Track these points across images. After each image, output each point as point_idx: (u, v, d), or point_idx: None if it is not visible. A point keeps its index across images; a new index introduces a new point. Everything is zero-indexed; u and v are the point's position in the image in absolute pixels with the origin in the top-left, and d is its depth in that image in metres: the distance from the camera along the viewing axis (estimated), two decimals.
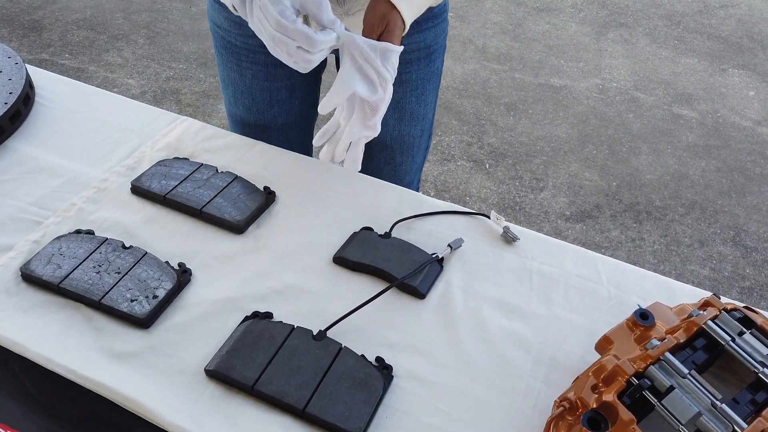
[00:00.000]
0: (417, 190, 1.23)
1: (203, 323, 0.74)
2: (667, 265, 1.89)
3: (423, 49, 0.99)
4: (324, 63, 1.08)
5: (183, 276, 0.78)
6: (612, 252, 1.93)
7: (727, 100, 2.65)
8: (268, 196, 0.90)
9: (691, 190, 2.18)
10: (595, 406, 0.57)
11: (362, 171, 0.92)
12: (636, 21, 3.22)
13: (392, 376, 0.68)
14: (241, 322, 0.73)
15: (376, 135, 0.81)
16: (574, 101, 2.61)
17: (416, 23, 0.93)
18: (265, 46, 0.97)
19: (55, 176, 0.93)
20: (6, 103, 1.00)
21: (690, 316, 0.63)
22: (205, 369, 0.68)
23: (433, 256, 0.80)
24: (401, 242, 0.82)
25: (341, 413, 0.63)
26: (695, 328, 0.60)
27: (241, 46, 1.01)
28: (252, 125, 1.10)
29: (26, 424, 0.74)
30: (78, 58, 2.72)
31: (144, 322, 0.72)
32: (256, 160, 0.97)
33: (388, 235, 0.84)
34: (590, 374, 0.61)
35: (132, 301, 0.74)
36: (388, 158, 1.11)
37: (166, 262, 0.79)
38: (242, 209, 0.87)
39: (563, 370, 0.70)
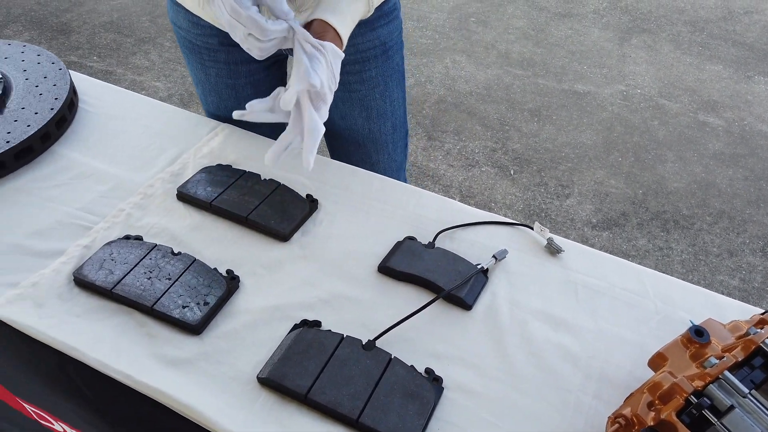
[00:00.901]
0: None
1: (253, 331, 0.75)
2: (696, 275, 1.88)
3: (379, 46, 1.01)
4: (286, 58, 1.10)
5: (232, 283, 0.79)
6: (640, 261, 1.92)
7: (753, 107, 2.63)
8: (312, 204, 0.91)
9: (719, 198, 2.16)
10: (652, 423, 0.57)
11: None
12: (659, 27, 3.20)
13: (442, 388, 0.69)
14: (290, 331, 0.74)
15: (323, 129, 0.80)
16: (599, 108, 2.60)
17: (368, 22, 0.96)
18: (225, 44, 1.01)
19: (102, 182, 0.94)
20: (52, 109, 1.01)
21: (746, 334, 0.63)
22: (257, 377, 0.69)
23: (479, 267, 0.80)
24: (446, 252, 0.83)
25: (395, 424, 0.64)
26: (753, 347, 0.60)
27: (202, 46, 1.02)
28: (224, 120, 1.12)
29: (83, 426, 0.75)
30: (106, 61, 2.76)
31: (196, 329, 0.73)
32: (298, 168, 0.98)
33: (432, 245, 0.84)
34: (645, 391, 0.61)
35: (184, 307, 0.75)
36: (364, 157, 1.13)
37: (215, 269, 0.80)
38: (287, 217, 0.87)
39: (613, 385, 0.70)
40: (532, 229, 0.87)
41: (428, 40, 3.03)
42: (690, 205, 2.13)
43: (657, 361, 0.65)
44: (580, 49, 3.00)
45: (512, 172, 2.25)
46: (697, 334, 0.64)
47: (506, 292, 0.80)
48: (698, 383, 0.58)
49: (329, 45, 0.75)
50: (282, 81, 1.14)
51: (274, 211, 0.88)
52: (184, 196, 0.91)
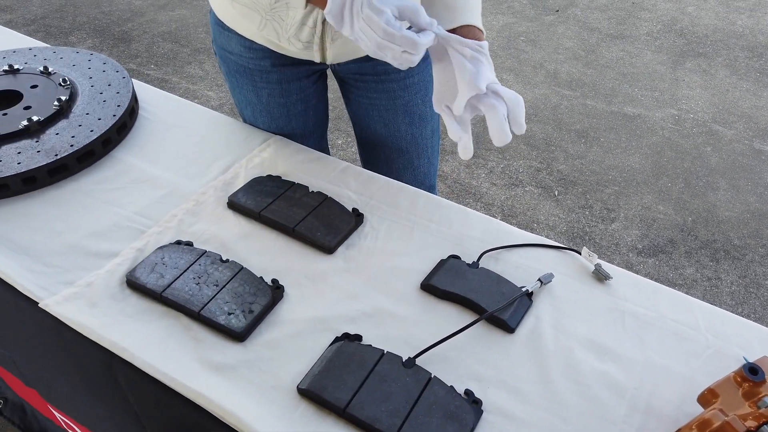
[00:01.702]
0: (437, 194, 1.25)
1: (295, 341, 0.76)
2: (746, 308, 1.81)
3: None
4: (326, 74, 1.12)
5: (276, 292, 0.81)
6: (687, 290, 1.86)
7: None
8: (357, 218, 0.92)
9: None
10: None
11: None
12: (715, 51, 3.12)
13: (482, 411, 0.68)
14: (332, 343, 0.75)
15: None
16: (649, 131, 2.55)
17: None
18: (277, 65, 1.04)
19: (157, 187, 0.98)
20: (114, 116, 1.06)
21: None
22: (297, 387, 0.70)
23: (523, 289, 0.80)
24: (490, 273, 0.82)
25: None
26: None
27: (254, 69, 1.05)
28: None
29: None
30: (162, 69, 2.86)
31: (240, 336, 0.75)
32: (346, 182, 0.99)
33: (476, 264, 0.84)
34: (694, 428, 0.59)
35: (229, 314, 0.76)
36: (407, 163, 1.14)
37: (261, 278, 0.82)
38: (333, 230, 0.89)
39: (659, 419, 0.68)
40: (579, 253, 0.86)
41: None
42: (742, 235, 2.06)
43: (707, 397, 0.63)
44: (632, 71, 2.95)
45: (557, 193, 2.22)
46: (752, 372, 0.61)
47: (551, 317, 0.78)
48: (751, 423, 0.56)
49: (485, 44, 0.75)
50: (325, 95, 1.17)
51: (320, 223, 0.89)
52: (234, 204, 0.93)
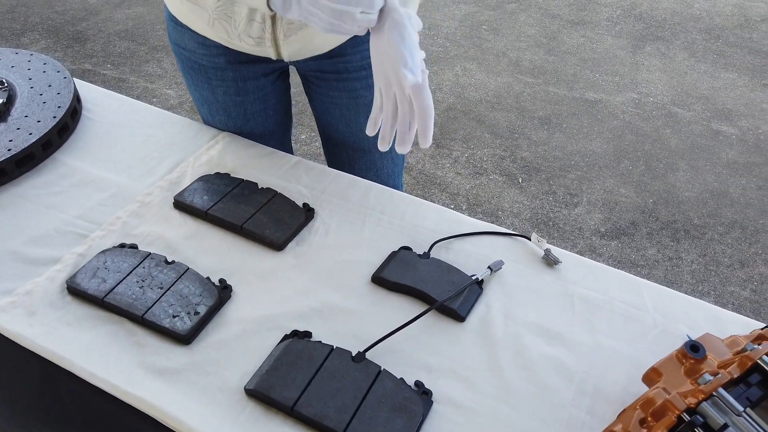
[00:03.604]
0: None
1: (243, 341, 0.74)
2: (706, 286, 1.84)
3: None
4: (288, 68, 1.09)
5: (224, 292, 0.79)
6: (648, 271, 1.88)
7: None
8: (308, 213, 0.90)
9: (731, 208, 2.12)
10: None
11: None
12: (674, 34, 3.17)
13: (431, 402, 0.68)
14: (280, 341, 0.73)
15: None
16: (610, 116, 2.58)
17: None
18: (232, 62, 1.01)
19: (101, 189, 0.95)
20: (55, 117, 1.02)
21: (744, 350, 0.61)
22: (245, 388, 0.68)
23: (473, 278, 0.79)
24: (440, 263, 0.82)
25: None
26: (750, 363, 0.58)
27: (209, 66, 1.03)
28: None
29: None
30: (119, 69, 2.79)
31: (186, 339, 0.73)
32: (297, 177, 0.98)
33: (427, 255, 0.83)
34: (638, 407, 0.59)
35: (174, 317, 0.75)
36: (369, 163, 1.12)
37: (207, 278, 0.80)
38: (282, 226, 0.87)
39: (607, 400, 0.68)
40: (529, 239, 0.86)
41: (439, 48, 3.03)
42: (701, 214, 2.10)
43: (651, 377, 0.63)
44: (593, 57, 2.97)
45: (521, 181, 2.23)
46: (693, 350, 0.62)
47: (501, 304, 0.78)
48: (691, 400, 0.56)
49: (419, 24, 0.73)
50: (287, 93, 1.14)
51: (269, 220, 0.88)
52: (180, 204, 0.91)
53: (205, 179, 0.95)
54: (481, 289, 0.80)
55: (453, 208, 2.16)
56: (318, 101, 1.10)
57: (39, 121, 1.02)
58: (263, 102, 1.09)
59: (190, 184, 0.94)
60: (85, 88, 1.17)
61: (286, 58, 0.98)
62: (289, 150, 1.23)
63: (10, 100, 1.06)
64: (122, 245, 0.85)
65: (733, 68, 2.90)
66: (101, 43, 3.00)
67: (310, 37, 0.93)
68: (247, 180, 0.95)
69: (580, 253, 1.94)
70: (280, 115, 1.14)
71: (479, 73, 2.85)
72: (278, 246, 0.85)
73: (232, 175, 0.96)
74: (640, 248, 1.96)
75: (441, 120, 2.54)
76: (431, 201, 2.13)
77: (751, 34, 3.17)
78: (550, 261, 0.83)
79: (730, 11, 3.38)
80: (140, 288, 0.78)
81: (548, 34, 3.15)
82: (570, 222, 2.05)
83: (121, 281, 0.78)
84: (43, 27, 3.11)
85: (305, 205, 0.91)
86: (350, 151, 1.12)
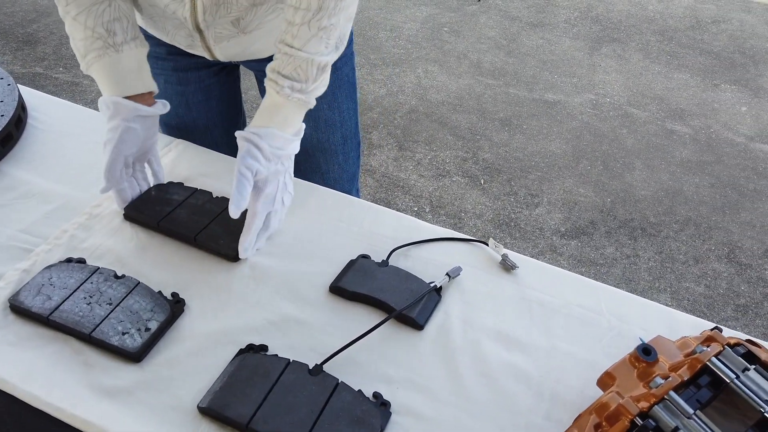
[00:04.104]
0: None
1: (196, 357, 0.72)
2: (662, 283, 1.89)
3: None
4: (235, 66, 1.09)
5: (176, 307, 0.77)
6: (607, 269, 1.92)
7: (719, 115, 2.67)
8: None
9: (686, 206, 2.18)
10: None
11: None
12: (629, 36, 3.24)
13: (390, 413, 0.67)
14: (235, 356, 0.71)
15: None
16: (568, 116, 2.62)
17: None
18: (173, 53, 1.01)
19: (47, 201, 0.91)
20: None
21: (694, 352, 0.62)
22: (198, 406, 0.66)
23: (431, 285, 0.79)
24: (399, 271, 0.81)
25: None
26: (699, 365, 0.59)
27: (150, 54, 1.02)
28: (174, 127, 1.10)
29: None
30: (72, 72, 2.71)
31: (135, 356, 0.71)
32: None
33: (385, 263, 0.82)
34: (593, 412, 0.60)
35: (123, 334, 0.72)
36: (314, 166, 1.12)
37: (159, 292, 0.78)
38: (237, 237, 0.85)
39: (564, 405, 0.68)
40: (487, 245, 0.86)
41: (401, 50, 3.03)
42: (657, 212, 2.15)
43: (605, 381, 0.64)
44: (551, 58, 3.02)
45: (482, 182, 2.25)
46: (645, 353, 0.63)
47: (459, 311, 0.78)
48: (644, 404, 0.57)
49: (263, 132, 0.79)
50: (234, 85, 1.12)
51: (224, 230, 0.86)
52: (131, 216, 0.88)
53: (157, 188, 0.92)
54: (440, 296, 0.79)
55: (417, 211, 2.18)
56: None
57: None
58: (205, 93, 1.07)
59: (141, 194, 0.91)
60: (30, 95, 1.13)
61: (222, 59, 0.96)
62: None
63: None
64: (69, 260, 0.81)
65: (685, 69, 2.99)
66: (53, 45, 2.90)
67: (248, 44, 0.92)
68: (201, 189, 0.92)
69: (541, 252, 1.96)
70: (225, 107, 1.12)
71: (441, 75, 2.86)
72: (233, 257, 0.83)
73: (185, 184, 0.94)
74: (599, 247, 2.00)
75: (404, 122, 2.55)
76: (395, 203, 2.14)
77: (702, 36, 3.27)
78: (507, 266, 0.83)
79: (682, 13, 3.48)
80: (88, 305, 0.75)
81: (508, 36, 3.19)
82: (531, 222, 2.08)
83: (68, 298, 0.75)
84: None
85: None
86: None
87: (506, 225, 2.06)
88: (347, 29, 0.80)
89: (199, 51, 0.93)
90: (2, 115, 1.00)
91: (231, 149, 1.18)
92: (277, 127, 0.79)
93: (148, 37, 0.97)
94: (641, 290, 1.85)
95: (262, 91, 1.09)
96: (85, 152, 1.01)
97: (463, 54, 3.03)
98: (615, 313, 0.79)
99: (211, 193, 0.92)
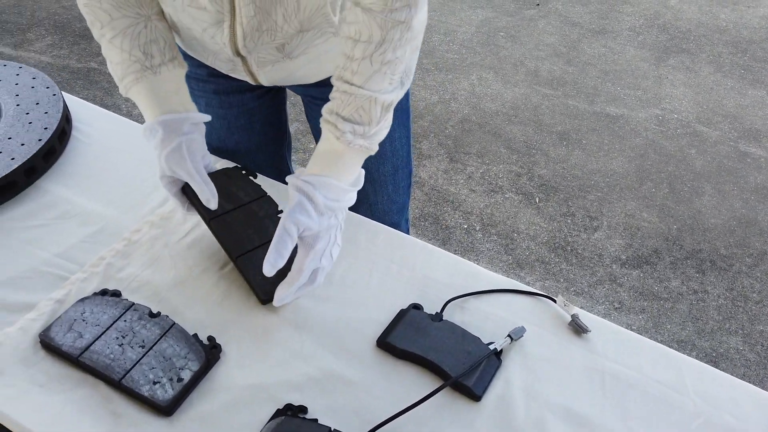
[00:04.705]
0: (407, 233, 1.15)
1: (231, 413, 0.66)
2: (733, 324, 1.74)
3: None
4: (280, 89, 1.04)
5: (212, 353, 0.71)
6: (672, 305, 1.79)
7: None
8: None
9: (760, 238, 2.02)
10: None
11: None
12: (699, 47, 3.05)
13: None
14: (272, 417, 0.65)
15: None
16: (632, 132, 2.47)
17: None
18: (215, 75, 0.96)
19: (86, 223, 0.87)
20: (40, 140, 0.95)
21: None
22: None
23: (491, 347, 0.71)
24: (454, 327, 0.73)
25: None
26: None
27: (191, 76, 0.97)
28: (215, 149, 1.05)
29: None
30: None
31: (166, 410, 0.65)
32: None
33: (439, 316, 0.75)
34: None
35: (155, 383, 0.67)
36: (362, 197, 1.04)
37: (195, 336, 0.72)
38: (280, 277, 0.78)
39: None
40: (555, 301, 0.77)
41: (454, 55, 2.93)
42: (728, 244, 1.99)
43: None
44: (614, 68, 2.87)
45: (537, 200, 2.14)
46: None
47: (522, 380, 0.70)
48: None
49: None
50: (279, 108, 1.06)
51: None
52: (187, 193, 0.80)
53: (227, 174, 0.85)
54: (500, 360, 0.71)
55: (466, 228, 2.08)
56: (312, 125, 1.02)
57: (23, 145, 0.94)
58: (248, 116, 1.01)
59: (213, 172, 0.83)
60: (77, 104, 1.10)
61: (266, 84, 0.90)
62: (283, 165, 1.15)
63: None
64: (104, 292, 0.77)
65: (761, 85, 2.78)
66: None
67: (294, 69, 0.86)
68: (269, 197, 0.83)
69: (599, 282, 1.84)
70: (269, 130, 1.06)
71: (496, 82, 2.75)
72: (263, 300, 0.76)
73: (255, 179, 0.87)
74: (663, 279, 1.86)
75: (455, 132, 2.45)
76: (443, 219, 2.05)
77: None
78: (577, 329, 0.74)
79: (757, 23, 3.25)
80: (120, 346, 0.70)
81: (568, 43, 3.04)
82: (589, 247, 1.96)
83: (100, 337, 0.71)
84: (50, 22, 3.04)
85: None
86: None
87: (562, 249, 1.95)
88: (413, 62, 0.71)
89: (241, 75, 0.87)
90: (46, 128, 0.97)
91: (275, 173, 1.12)
92: (334, 176, 0.71)
93: (188, 58, 0.92)
94: (709, 330, 1.71)
95: (309, 116, 1.03)
96: (129, 169, 0.97)
97: (519, 61, 2.90)
98: (701, 394, 0.69)
99: (277, 206, 0.84)
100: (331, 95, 0.71)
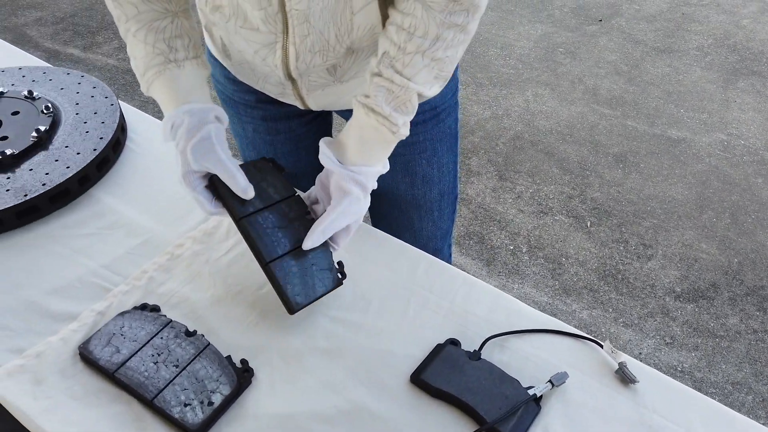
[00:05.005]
0: (449, 258, 1.12)
1: None
2: None
3: (428, 111, 0.91)
4: (326, 113, 1.02)
5: (244, 377, 0.70)
6: (728, 344, 1.69)
7: None
8: (337, 280, 0.78)
9: None
10: None
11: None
12: None
13: None
14: None
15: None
16: (694, 158, 2.36)
17: None
18: (263, 101, 0.94)
19: (133, 235, 0.89)
20: (95, 150, 0.97)
21: None
22: None
23: (531, 392, 0.67)
24: (492, 368, 0.70)
25: None
26: None
27: (239, 102, 0.97)
28: None
29: None
30: None
31: None
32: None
33: (477, 354, 0.72)
34: None
35: (185, 405, 0.66)
36: (407, 223, 1.02)
37: (228, 357, 0.72)
38: (311, 284, 0.75)
39: None
40: (602, 346, 0.73)
41: (510, 70, 2.88)
42: None
43: None
44: (678, 89, 2.75)
45: (589, 224, 2.07)
46: None
47: (562, 430, 0.66)
48: None
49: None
50: (326, 134, 1.06)
51: (300, 269, 0.74)
52: (214, 185, 0.75)
53: (256, 166, 0.80)
54: (539, 407, 0.68)
55: (512, 250, 2.03)
56: None
57: (78, 153, 0.97)
58: (294, 143, 1.01)
59: (250, 164, 0.79)
60: (133, 115, 1.12)
61: (315, 108, 0.89)
62: None
63: (54, 127, 1.02)
64: (143, 306, 0.78)
65: None
66: None
67: (344, 93, 0.85)
68: (299, 196, 0.80)
69: (651, 314, 1.76)
70: (314, 157, 1.05)
71: (552, 99, 2.69)
72: (290, 308, 0.73)
73: (284, 174, 0.83)
74: (720, 315, 1.76)
75: (506, 149, 2.40)
76: (489, 239, 2.01)
77: None
78: (625, 378, 0.70)
79: None
80: (155, 363, 0.70)
81: (630, 62, 2.94)
82: (642, 277, 1.87)
83: (136, 353, 0.71)
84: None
85: (340, 265, 0.79)
86: (387, 207, 1.02)
87: (612, 277, 1.87)
88: (456, 63, 0.72)
89: (290, 100, 0.87)
90: (101, 138, 0.99)
91: None
92: (381, 165, 0.75)
93: (237, 84, 0.92)
94: None
95: None
96: (175, 182, 0.97)
97: (578, 78, 2.83)
98: None
99: (306, 207, 0.79)
100: (376, 82, 0.69)
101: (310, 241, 0.72)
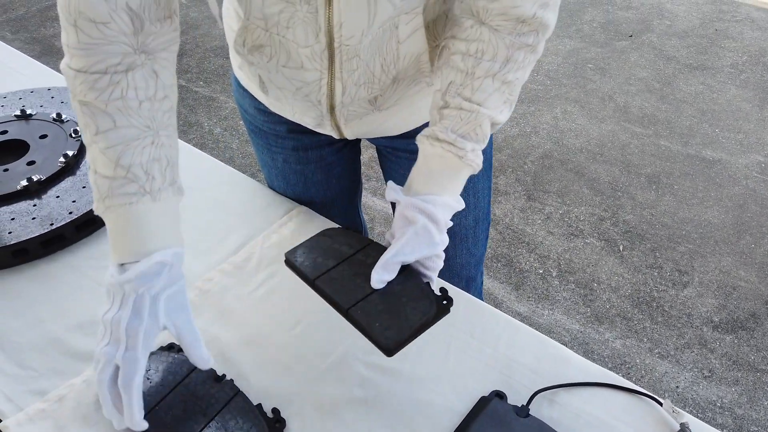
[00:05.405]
0: (481, 286, 1.07)
1: None
2: None
3: None
4: (355, 141, 0.99)
5: (275, 428, 0.66)
6: None
7: None
8: (440, 307, 0.67)
9: None
10: None
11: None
12: None
13: None
14: None
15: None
16: (730, 180, 2.28)
17: None
18: (295, 131, 0.91)
19: None
20: None
21: None
22: None
23: None
24: (543, 427, 0.65)
25: None
26: None
27: (269, 132, 0.94)
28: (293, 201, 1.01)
29: None
30: (211, 87, 2.79)
31: None
32: None
33: (525, 410, 0.67)
34: None
35: None
36: None
37: (259, 406, 0.68)
38: (400, 318, 0.69)
39: None
40: (661, 404, 0.68)
41: (538, 86, 2.83)
42: None
43: None
44: (713, 108, 2.67)
45: (621, 248, 2.00)
46: None
47: None
48: None
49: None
50: (355, 160, 1.03)
51: (385, 306, 0.66)
52: (291, 262, 0.72)
53: (327, 235, 0.76)
54: None
55: (542, 273, 1.97)
56: (390, 175, 0.98)
57: None
58: (325, 172, 0.98)
59: (308, 241, 0.75)
60: None
61: (350, 137, 0.86)
62: (356, 216, 1.11)
63: (82, 151, 0.99)
64: (171, 346, 0.74)
65: None
66: (197, 58, 3.02)
67: (381, 120, 0.81)
68: (375, 242, 0.74)
69: (688, 345, 1.69)
70: (345, 183, 1.03)
71: (581, 117, 2.62)
72: (386, 349, 0.64)
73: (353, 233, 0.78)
74: (761, 348, 1.68)
75: (535, 168, 2.35)
76: (517, 262, 1.95)
77: None
78: None
79: None
80: (183, 411, 0.66)
81: (662, 79, 2.87)
82: (677, 305, 1.80)
83: (164, 398, 0.67)
84: None
85: (442, 291, 0.69)
86: None
87: (646, 305, 1.80)
88: (521, 86, 0.68)
89: (326, 130, 0.83)
90: None
91: (350, 224, 1.08)
92: (450, 195, 0.68)
93: (269, 115, 0.89)
94: None
95: (386, 167, 0.98)
96: (203, 210, 0.95)
97: (608, 95, 2.76)
98: None
99: (386, 249, 0.70)
100: (444, 114, 0.66)
101: (376, 277, 0.66)
